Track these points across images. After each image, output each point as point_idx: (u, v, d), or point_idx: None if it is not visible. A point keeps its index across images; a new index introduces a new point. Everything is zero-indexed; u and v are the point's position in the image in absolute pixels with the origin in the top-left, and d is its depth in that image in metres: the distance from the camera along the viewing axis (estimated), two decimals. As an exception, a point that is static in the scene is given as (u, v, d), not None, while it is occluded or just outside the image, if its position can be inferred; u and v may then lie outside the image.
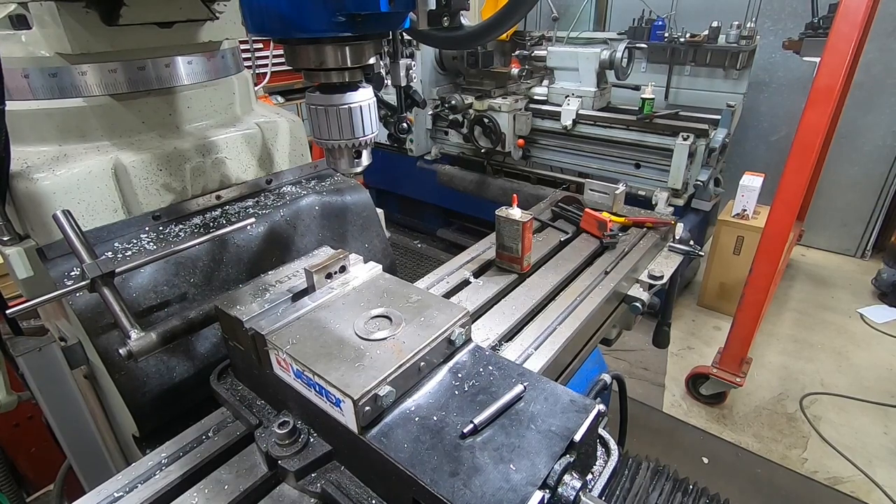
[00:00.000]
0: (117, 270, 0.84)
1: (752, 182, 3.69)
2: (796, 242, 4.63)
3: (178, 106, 1.18)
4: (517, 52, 4.29)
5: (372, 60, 0.72)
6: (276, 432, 0.73)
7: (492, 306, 1.17)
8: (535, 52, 4.17)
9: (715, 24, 3.85)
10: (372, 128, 0.76)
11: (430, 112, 4.46)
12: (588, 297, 1.18)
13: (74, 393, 1.18)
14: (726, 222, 3.73)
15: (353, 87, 0.73)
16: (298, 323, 0.78)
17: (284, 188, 1.36)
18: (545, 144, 4.21)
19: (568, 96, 3.96)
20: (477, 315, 1.13)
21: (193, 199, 1.20)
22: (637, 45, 3.73)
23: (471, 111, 4.22)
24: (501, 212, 1.26)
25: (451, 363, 0.78)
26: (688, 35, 3.94)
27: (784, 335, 3.75)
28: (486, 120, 4.08)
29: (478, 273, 1.31)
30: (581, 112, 3.85)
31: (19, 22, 1.03)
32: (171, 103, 1.17)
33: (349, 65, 0.70)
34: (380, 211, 1.57)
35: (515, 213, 1.24)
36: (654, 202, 3.57)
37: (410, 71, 0.92)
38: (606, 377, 1.17)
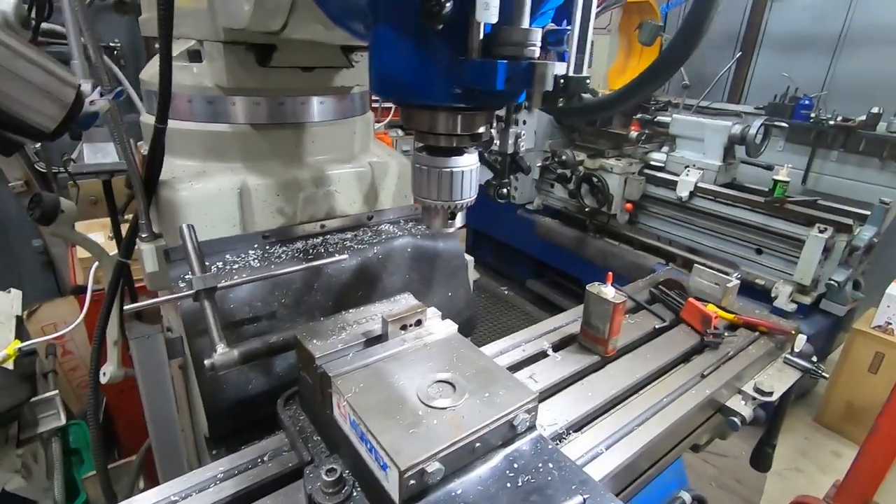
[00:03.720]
0: (219, 286, 0.92)
1: (901, 292, 3.17)
2: (955, 372, 3.85)
3: (304, 140, 1.29)
4: (639, 115, 4.18)
5: (481, 129, 0.72)
6: (322, 478, 0.72)
7: (566, 387, 1.09)
8: (659, 117, 4.03)
9: (875, 109, 3.44)
10: (470, 192, 0.76)
11: (539, 164, 4.46)
12: (678, 400, 1.06)
13: (167, 382, 1.29)
14: (863, 333, 3.22)
15: (459, 152, 0.74)
16: (365, 371, 0.79)
17: (383, 226, 1.42)
18: (655, 212, 3.99)
19: (688, 167, 3.74)
20: (548, 394, 1.06)
21: (301, 225, 1.28)
22: (776, 122, 3.44)
23: (581, 168, 4.15)
24: (593, 287, 1.19)
25: (508, 450, 0.73)
26: (839, 118, 3.56)
27: (926, 482, 3.08)
28: (594, 179, 3.99)
29: (558, 347, 1.24)
30: (700, 185, 3.61)
31: (193, 56, 1.21)
32: (299, 137, 1.28)
33: (459, 132, 0.71)
34: (469, 259, 1.56)
35: (608, 291, 1.16)
36: (773, 294, 3.20)
37: (519, 140, 0.92)
38: (686, 496, 1.03)
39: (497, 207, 5.12)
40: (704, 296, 1.51)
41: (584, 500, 0.65)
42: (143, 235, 1.19)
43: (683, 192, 3.69)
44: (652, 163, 4.02)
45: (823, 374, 1.25)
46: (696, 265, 1.57)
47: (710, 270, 1.53)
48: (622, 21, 4.72)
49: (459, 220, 0.80)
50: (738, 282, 1.47)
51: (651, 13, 4.54)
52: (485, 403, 0.73)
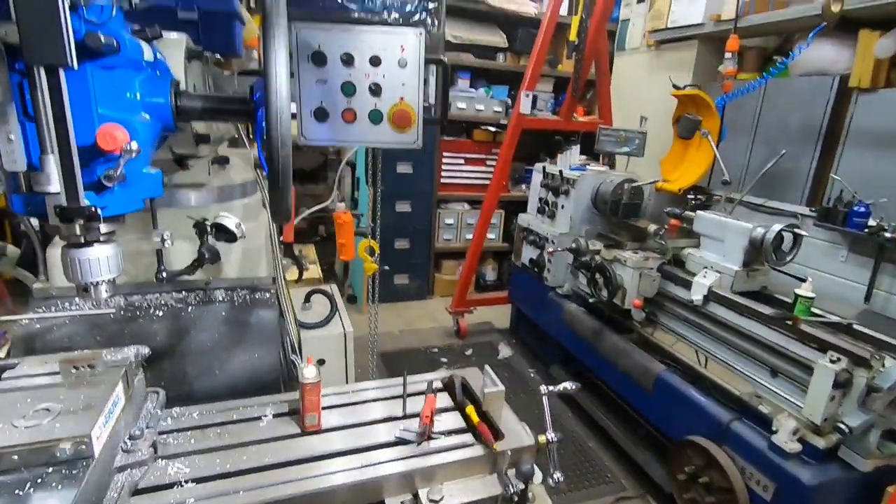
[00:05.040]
0: (-4, 318, 1.33)
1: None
2: None
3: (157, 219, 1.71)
4: (668, 209, 3.97)
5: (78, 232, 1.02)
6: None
7: (239, 448, 1.26)
8: (687, 212, 3.79)
9: (941, 223, 2.82)
10: (91, 275, 1.05)
11: (561, 248, 4.43)
12: (312, 480, 1.16)
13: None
14: (901, 501, 2.51)
15: (80, 245, 1.05)
16: (9, 394, 1.10)
17: (216, 292, 1.75)
18: (673, 312, 3.67)
19: (706, 268, 3.44)
20: (217, 450, 1.24)
21: (141, 284, 1.68)
22: (796, 229, 3.04)
23: (597, 258, 4.03)
24: (301, 364, 1.35)
25: (49, 469, 0.97)
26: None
27: None
28: (606, 271, 3.85)
29: (284, 415, 1.40)
30: (715, 290, 3.28)
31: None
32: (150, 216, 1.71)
33: (73, 234, 1.03)
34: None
35: (308, 372, 1.32)
36: (774, 427, 2.72)
37: (165, 240, 1.17)
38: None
39: (535, 287, 5.12)
40: (481, 395, 1.53)
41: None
42: (41, 277, 1.70)
43: (697, 294, 3.38)
44: (682, 258, 3.76)
45: (515, 493, 1.20)
46: (486, 367, 1.59)
47: (494, 375, 1.55)
48: (676, 112, 4.61)
49: (102, 292, 1.09)
50: (502, 389, 1.47)
51: (705, 105, 4.38)
52: (48, 429, 0.99)
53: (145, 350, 1.34)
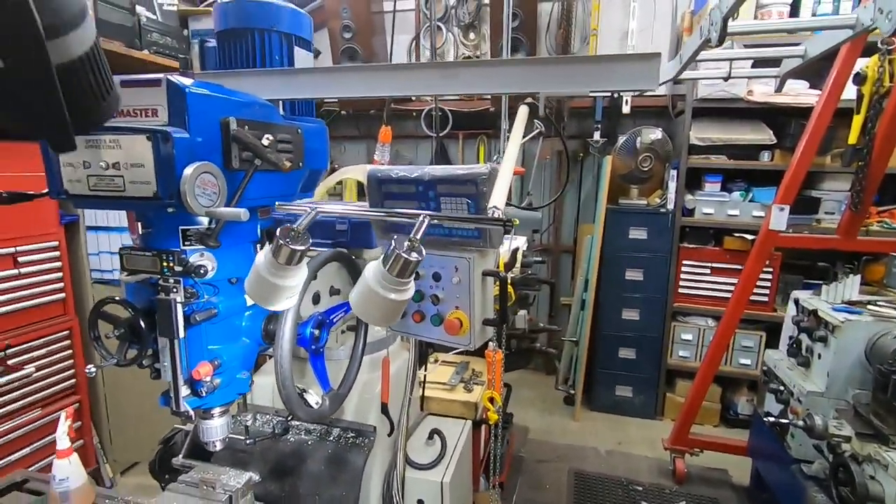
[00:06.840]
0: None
1: None
2: None
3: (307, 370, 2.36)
4: None
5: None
6: None
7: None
8: None
9: None
10: (209, 436, 1.67)
11: (799, 419, 3.39)
12: None
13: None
14: None
15: (206, 417, 1.68)
16: (171, 494, 1.80)
17: (334, 429, 2.26)
18: (973, 575, 2.36)
19: None
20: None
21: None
22: None
23: (845, 446, 2.95)
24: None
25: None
26: None
27: None
28: (851, 471, 2.78)
29: (320, 564, 1.75)
30: None
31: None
32: (305, 368, 2.37)
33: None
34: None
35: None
36: None
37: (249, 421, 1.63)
38: None
39: (776, 450, 4.05)
40: None
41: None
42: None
43: None
44: None
45: None
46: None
47: None
48: None
49: (217, 446, 1.71)
50: None
51: None
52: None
53: (256, 478, 1.91)
